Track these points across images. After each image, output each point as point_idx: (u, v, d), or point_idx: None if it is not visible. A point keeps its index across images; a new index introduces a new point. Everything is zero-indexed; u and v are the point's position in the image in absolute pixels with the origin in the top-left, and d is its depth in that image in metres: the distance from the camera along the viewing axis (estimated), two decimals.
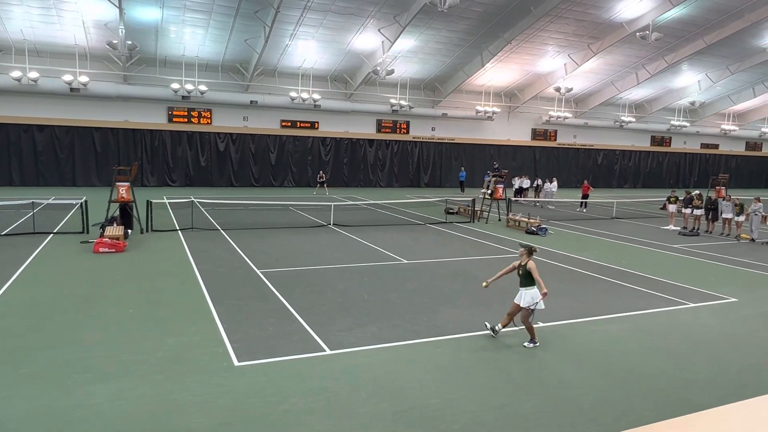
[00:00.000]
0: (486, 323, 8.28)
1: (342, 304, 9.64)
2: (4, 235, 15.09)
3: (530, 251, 7.99)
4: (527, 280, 7.77)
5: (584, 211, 26.47)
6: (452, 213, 22.92)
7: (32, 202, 17.07)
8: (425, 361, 7.25)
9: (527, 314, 7.77)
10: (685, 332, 8.76)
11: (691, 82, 39.50)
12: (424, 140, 38.49)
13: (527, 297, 7.73)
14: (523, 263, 7.86)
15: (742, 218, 19.27)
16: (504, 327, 8.08)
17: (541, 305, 7.73)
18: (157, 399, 5.96)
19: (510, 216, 20.80)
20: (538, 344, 7.81)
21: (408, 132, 37.84)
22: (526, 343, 7.83)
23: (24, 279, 10.71)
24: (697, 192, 21.40)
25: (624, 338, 8.36)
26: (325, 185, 32.46)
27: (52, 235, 15.36)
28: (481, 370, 7.02)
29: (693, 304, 10.34)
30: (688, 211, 20.76)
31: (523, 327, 7.94)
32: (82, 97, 29.00)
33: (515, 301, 7.89)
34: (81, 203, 16.56)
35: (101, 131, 30.44)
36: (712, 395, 6.48)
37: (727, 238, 19.23)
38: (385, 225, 19.58)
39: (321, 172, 33.68)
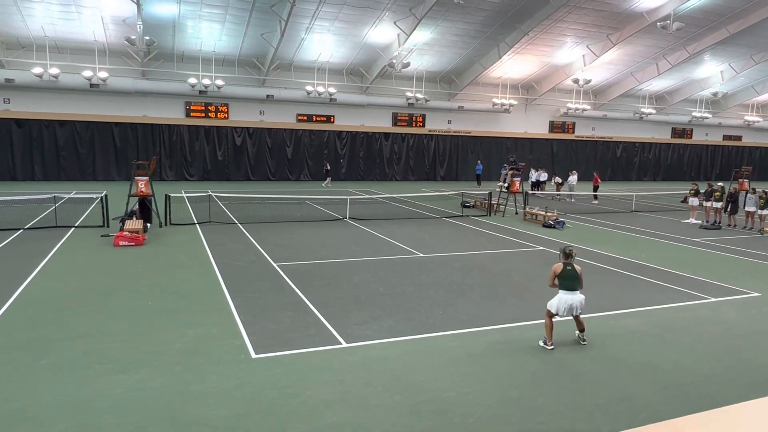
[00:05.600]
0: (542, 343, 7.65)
1: (358, 297, 9.67)
2: (27, 228, 15.39)
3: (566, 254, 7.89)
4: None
5: (595, 202, 26.73)
6: (468, 206, 22.81)
7: (54, 197, 17.39)
8: (440, 354, 7.24)
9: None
10: (705, 327, 8.62)
11: (713, 73, 38.68)
12: (440, 133, 38.31)
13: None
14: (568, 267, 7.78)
15: (766, 212, 18.84)
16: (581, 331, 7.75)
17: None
18: (176, 390, 6.04)
19: (527, 209, 20.64)
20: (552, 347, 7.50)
21: (424, 125, 37.68)
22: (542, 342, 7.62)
23: (46, 271, 10.92)
24: (720, 184, 20.97)
25: (642, 333, 8.25)
26: (329, 177, 32.39)
27: (73, 228, 15.64)
28: (496, 363, 6.99)
29: (714, 299, 10.17)
30: (709, 204, 20.39)
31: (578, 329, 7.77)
32: (101, 93, 29.42)
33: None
34: (101, 197, 16.81)
35: (120, 126, 30.85)
36: (732, 391, 6.37)
37: (750, 231, 18.85)
38: (400, 219, 19.56)
39: (326, 162, 33.65)
